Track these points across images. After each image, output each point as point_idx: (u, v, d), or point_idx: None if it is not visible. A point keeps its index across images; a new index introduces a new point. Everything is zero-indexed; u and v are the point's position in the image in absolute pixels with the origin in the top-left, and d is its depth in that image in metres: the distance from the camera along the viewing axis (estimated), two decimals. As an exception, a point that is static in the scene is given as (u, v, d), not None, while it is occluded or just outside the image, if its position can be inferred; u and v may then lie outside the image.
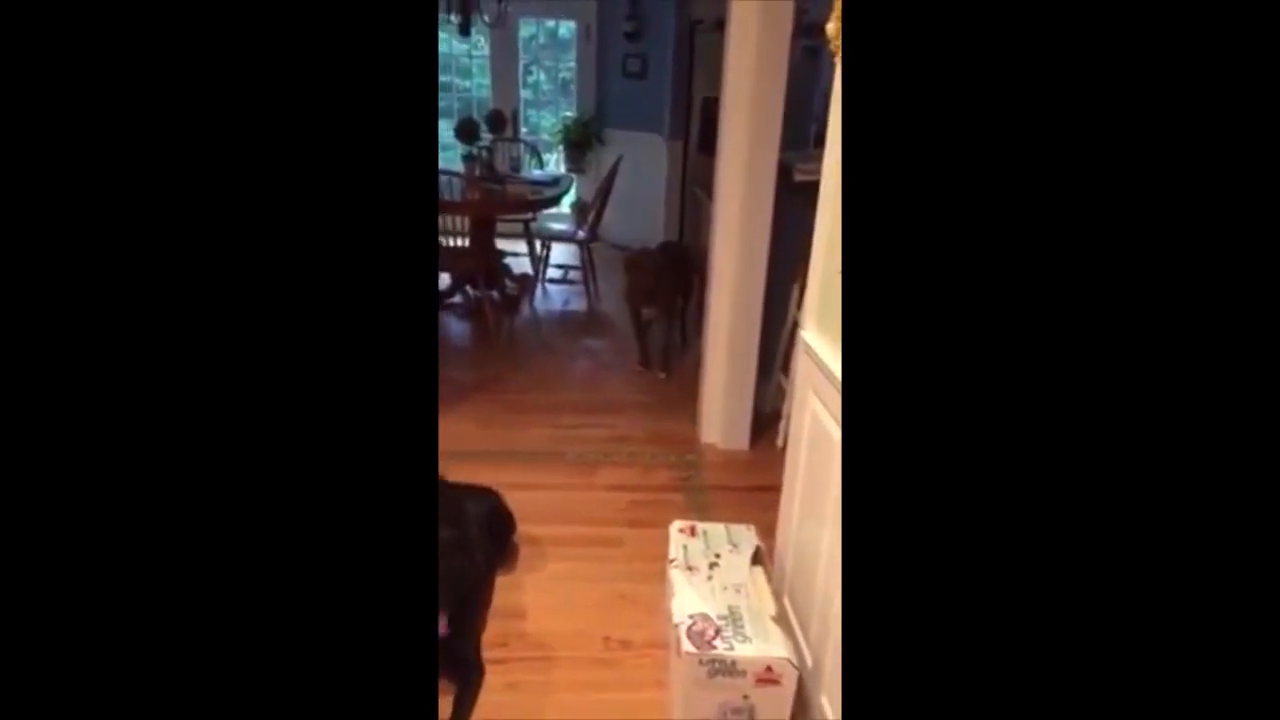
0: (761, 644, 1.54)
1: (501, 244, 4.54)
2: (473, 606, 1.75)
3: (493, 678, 1.73)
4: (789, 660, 1.51)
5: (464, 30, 4.45)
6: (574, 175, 5.30)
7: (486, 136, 4.78)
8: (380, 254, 0.68)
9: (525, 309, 4.52)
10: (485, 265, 4.42)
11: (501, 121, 4.97)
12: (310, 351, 0.66)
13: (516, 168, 5.04)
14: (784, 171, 2.62)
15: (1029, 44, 0.64)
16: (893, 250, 0.71)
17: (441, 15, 4.18)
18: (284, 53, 0.64)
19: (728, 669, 1.51)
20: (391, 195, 0.69)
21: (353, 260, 0.67)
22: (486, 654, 1.78)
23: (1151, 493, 0.61)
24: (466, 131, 4.84)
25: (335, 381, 0.67)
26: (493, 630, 1.86)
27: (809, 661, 1.60)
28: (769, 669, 1.51)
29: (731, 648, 1.52)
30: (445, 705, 1.61)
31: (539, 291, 4.77)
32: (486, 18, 4.57)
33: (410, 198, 0.69)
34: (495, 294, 4.48)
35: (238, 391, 0.65)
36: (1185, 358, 0.60)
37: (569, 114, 5.87)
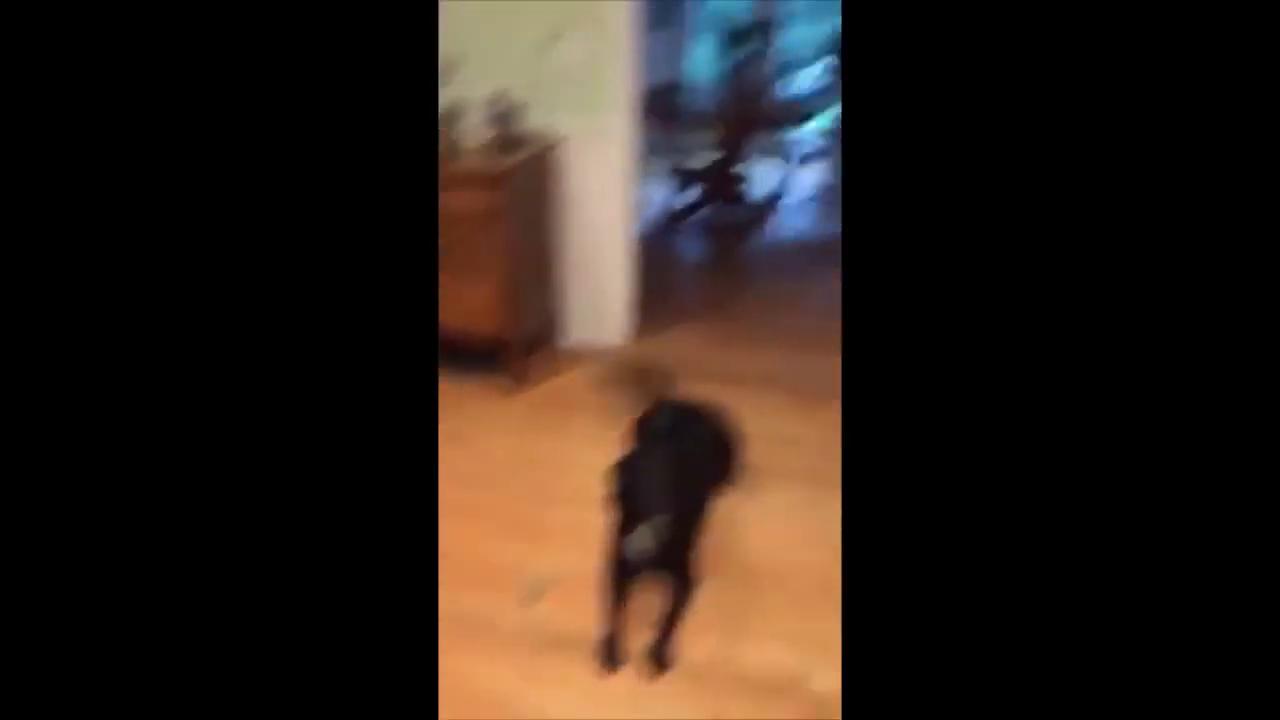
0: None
1: (751, 161, 4.25)
2: (692, 519, 1.63)
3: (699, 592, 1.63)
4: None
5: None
6: (836, 92, 4.82)
7: (742, 50, 4.46)
8: (378, 252, 0.66)
9: (767, 230, 4.21)
10: (728, 182, 4.19)
11: (758, 30, 4.62)
12: (307, 342, 0.65)
13: (770, 83, 4.68)
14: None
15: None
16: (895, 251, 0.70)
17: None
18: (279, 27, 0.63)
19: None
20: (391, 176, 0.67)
21: (350, 256, 0.66)
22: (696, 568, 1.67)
23: (1150, 495, 0.61)
24: (725, 42, 4.57)
25: (333, 377, 0.66)
26: (705, 546, 1.72)
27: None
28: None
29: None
30: (645, 615, 1.50)
31: (783, 212, 4.43)
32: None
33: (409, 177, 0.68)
34: (736, 212, 4.22)
35: (233, 377, 0.64)
36: (1180, 360, 0.60)
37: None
